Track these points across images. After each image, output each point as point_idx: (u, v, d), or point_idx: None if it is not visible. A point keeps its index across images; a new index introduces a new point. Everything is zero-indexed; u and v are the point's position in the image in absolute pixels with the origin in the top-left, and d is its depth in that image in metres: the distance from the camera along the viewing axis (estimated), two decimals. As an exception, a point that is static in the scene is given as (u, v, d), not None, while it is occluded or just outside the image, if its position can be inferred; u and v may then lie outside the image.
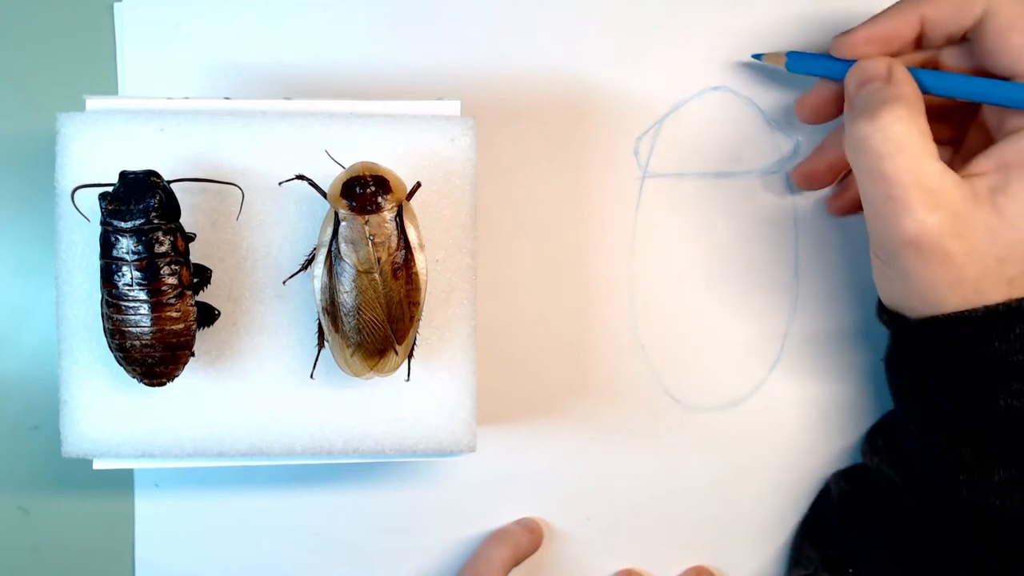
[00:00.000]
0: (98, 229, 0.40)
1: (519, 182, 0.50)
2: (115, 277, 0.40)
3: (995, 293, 0.40)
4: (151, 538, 0.51)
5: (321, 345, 0.43)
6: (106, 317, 0.40)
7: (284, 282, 0.43)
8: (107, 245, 0.40)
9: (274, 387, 0.44)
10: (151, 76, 0.49)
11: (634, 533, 0.52)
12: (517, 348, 0.51)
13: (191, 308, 0.41)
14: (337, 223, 0.41)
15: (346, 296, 0.41)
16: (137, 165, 0.40)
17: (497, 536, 0.50)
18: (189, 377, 0.42)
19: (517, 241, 0.51)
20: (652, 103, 0.50)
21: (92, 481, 0.50)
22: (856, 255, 0.51)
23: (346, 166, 0.41)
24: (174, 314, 0.40)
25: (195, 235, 0.42)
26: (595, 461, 0.52)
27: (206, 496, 0.50)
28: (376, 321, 0.42)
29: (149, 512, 0.51)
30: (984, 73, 0.43)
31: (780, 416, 0.52)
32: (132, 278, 0.39)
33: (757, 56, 0.49)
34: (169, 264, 0.40)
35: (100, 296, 0.40)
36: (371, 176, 0.40)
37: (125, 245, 0.39)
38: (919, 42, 0.44)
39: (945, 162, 0.40)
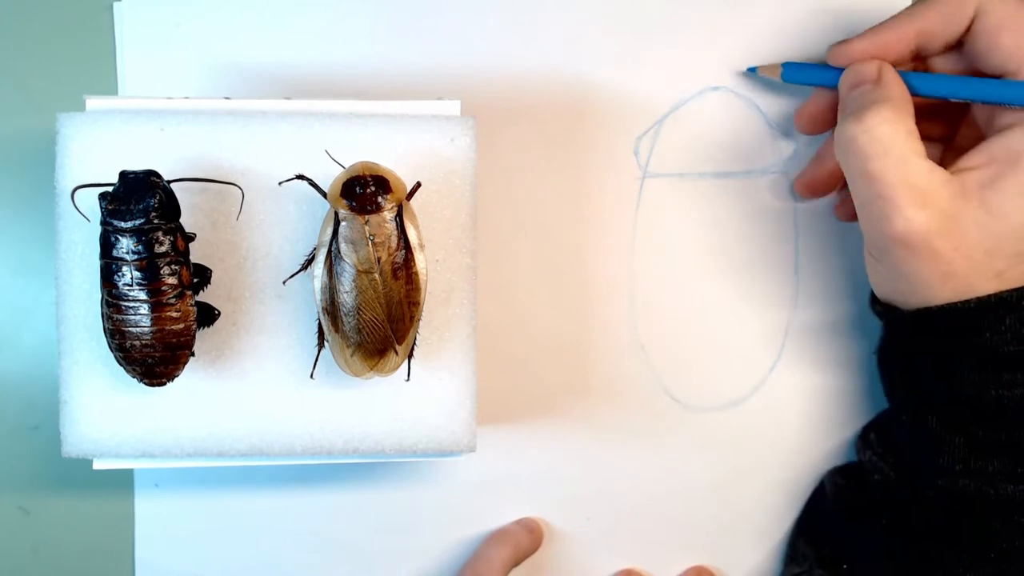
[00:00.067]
0: (98, 229, 0.40)
1: (519, 182, 0.50)
2: (115, 277, 0.40)
3: (985, 286, 0.41)
4: (151, 538, 0.51)
5: (321, 345, 0.43)
6: (106, 317, 0.40)
7: (284, 282, 0.43)
8: (107, 245, 0.40)
9: (274, 387, 0.44)
10: (151, 76, 0.49)
11: (634, 533, 0.52)
12: (517, 348, 0.51)
13: (191, 308, 0.41)
14: (337, 223, 0.41)
15: (346, 296, 0.41)
16: (137, 165, 0.40)
17: (497, 536, 0.50)
18: (189, 377, 0.42)
19: (517, 241, 0.51)
20: (652, 103, 0.50)
21: (92, 481, 0.50)
22: (856, 255, 0.51)
23: (346, 166, 0.41)
24: (174, 314, 0.40)
25: (195, 235, 0.42)
26: (595, 461, 0.52)
27: (206, 496, 0.50)
28: (376, 321, 0.42)
29: (149, 512, 0.51)
30: (975, 73, 0.43)
31: (780, 416, 0.52)
32: (132, 278, 0.39)
33: (752, 69, 0.50)
34: (169, 264, 0.40)
35: (100, 296, 0.40)
36: (371, 176, 0.40)
37: (125, 245, 0.39)
38: (915, 54, 0.44)
39: (937, 159, 0.40)
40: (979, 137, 0.43)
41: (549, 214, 0.51)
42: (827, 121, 0.48)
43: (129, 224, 0.39)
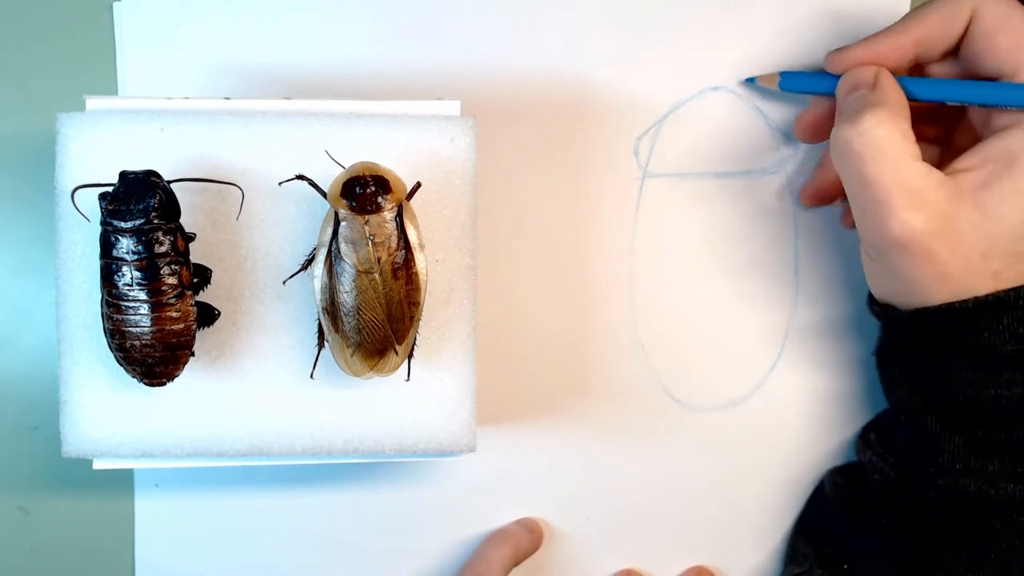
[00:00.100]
0: (98, 229, 0.40)
1: (519, 182, 0.50)
2: (115, 277, 0.40)
3: (981, 287, 0.41)
4: (151, 538, 0.51)
5: (321, 345, 0.43)
6: (106, 317, 0.40)
7: (284, 282, 0.43)
8: (107, 245, 0.40)
9: (274, 387, 0.44)
10: (151, 76, 0.49)
11: (634, 533, 0.52)
12: (517, 348, 0.51)
13: (191, 308, 0.41)
14: (337, 223, 0.41)
15: (346, 296, 0.41)
16: (137, 165, 0.40)
17: (497, 536, 0.50)
18: (189, 377, 0.42)
19: (517, 241, 0.51)
20: (652, 103, 0.50)
21: (92, 481, 0.50)
22: (856, 255, 0.51)
23: (346, 166, 0.41)
24: (174, 314, 0.40)
25: (195, 235, 0.42)
26: (595, 461, 0.52)
27: (206, 496, 0.50)
28: (376, 321, 0.42)
29: (149, 512, 0.51)
30: (972, 77, 0.43)
31: (780, 416, 0.52)
32: (132, 278, 0.39)
33: (750, 80, 0.50)
34: (169, 264, 0.40)
35: (100, 296, 0.40)
36: (371, 176, 0.40)
37: (125, 245, 0.39)
38: (913, 63, 0.44)
39: (935, 160, 0.40)
40: (976, 139, 0.43)
41: (549, 214, 0.51)
42: (826, 129, 0.48)
43: (129, 224, 0.39)
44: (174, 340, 0.40)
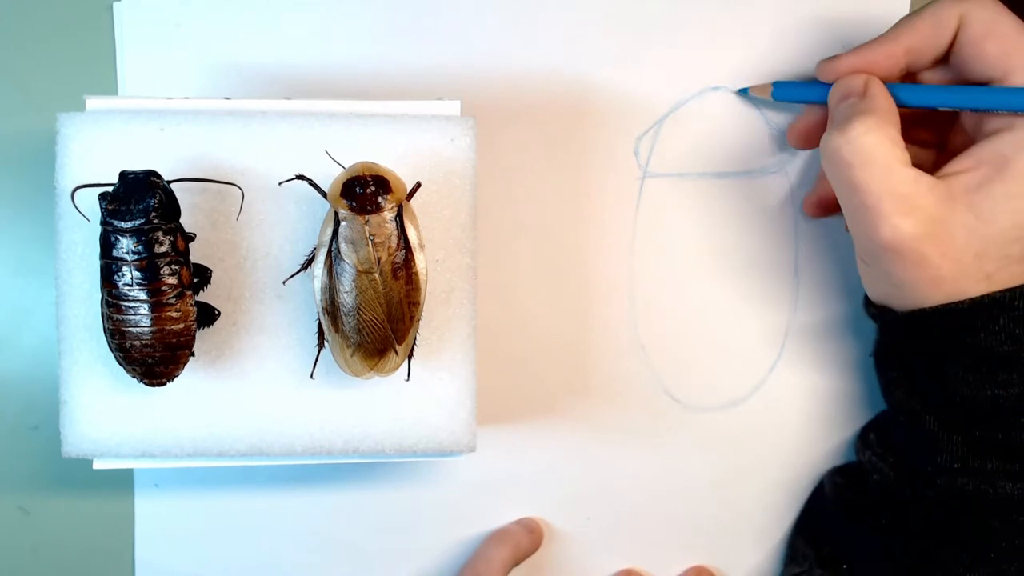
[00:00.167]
0: (98, 229, 0.40)
1: (519, 182, 0.50)
2: (115, 277, 0.40)
3: (975, 289, 0.41)
4: (151, 538, 0.51)
5: (321, 345, 0.43)
6: (106, 317, 0.40)
7: (284, 282, 0.43)
8: (107, 245, 0.40)
9: (274, 387, 0.44)
10: (151, 76, 0.49)
11: (634, 533, 0.52)
12: (517, 348, 0.51)
13: (191, 308, 0.41)
14: (337, 223, 0.41)
15: (346, 296, 0.41)
16: (137, 165, 0.40)
17: (497, 536, 0.50)
18: (189, 377, 0.42)
19: (517, 241, 0.51)
20: (652, 103, 0.50)
21: (92, 481, 0.50)
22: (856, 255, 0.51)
23: (346, 166, 0.41)
24: (174, 314, 0.40)
25: (195, 235, 0.42)
26: (595, 461, 0.52)
27: (206, 496, 0.50)
28: (376, 321, 0.42)
29: (149, 512, 0.51)
30: (962, 82, 0.44)
31: (780, 416, 0.52)
32: (132, 278, 0.39)
33: (743, 91, 0.50)
34: (169, 264, 0.40)
35: (100, 296, 0.40)
36: (371, 176, 0.40)
37: (125, 245, 0.39)
38: (904, 71, 0.45)
39: (930, 164, 0.40)
40: (970, 142, 0.43)
41: (549, 214, 0.51)
42: (818, 136, 0.48)
43: (129, 224, 0.39)
44: (174, 340, 0.40)
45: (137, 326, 0.40)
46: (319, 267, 0.41)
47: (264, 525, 0.51)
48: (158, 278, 0.40)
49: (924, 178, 0.41)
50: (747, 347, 0.52)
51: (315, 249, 0.42)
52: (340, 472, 0.51)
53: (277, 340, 0.43)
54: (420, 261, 0.42)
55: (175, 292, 0.40)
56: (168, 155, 0.42)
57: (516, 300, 0.51)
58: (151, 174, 0.40)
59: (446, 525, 0.51)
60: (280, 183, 0.43)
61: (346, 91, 0.49)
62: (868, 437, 0.49)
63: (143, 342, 0.40)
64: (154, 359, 0.40)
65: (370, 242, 0.41)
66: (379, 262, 0.41)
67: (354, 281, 0.41)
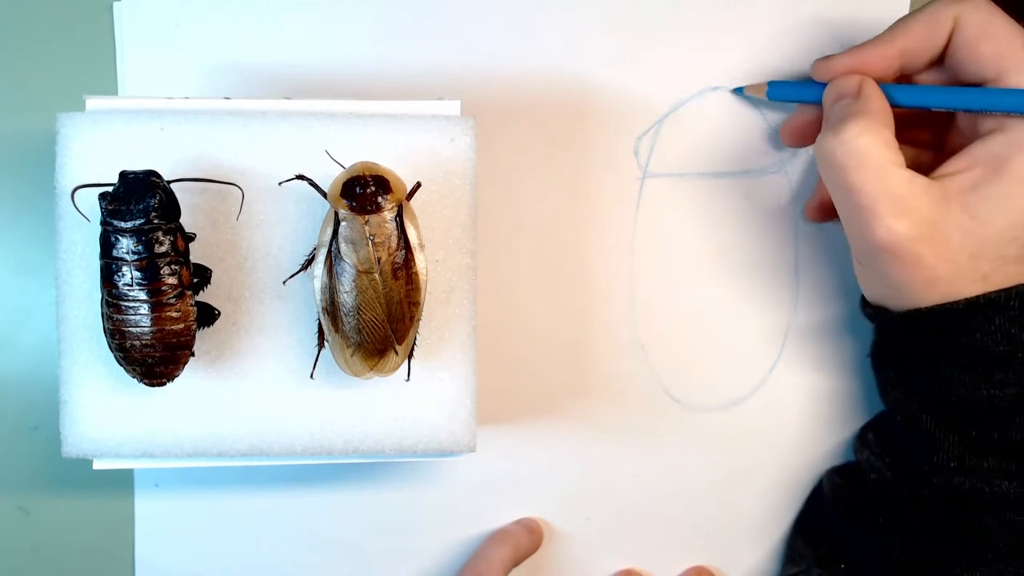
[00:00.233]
0: (98, 229, 0.40)
1: (519, 182, 0.50)
2: (115, 277, 0.40)
3: (970, 289, 0.41)
4: (151, 538, 0.51)
5: (321, 345, 0.43)
6: (106, 317, 0.40)
7: (284, 282, 0.43)
8: (107, 245, 0.40)
9: (274, 387, 0.44)
10: (151, 76, 0.49)
11: (634, 533, 0.52)
12: (517, 348, 0.51)
13: (191, 308, 0.41)
14: (337, 223, 0.41)
15: (346, 296, 0.41)
16: (137, 165, 0.40)
17: (497, 536, 0.50)
18: (189, 377, 0.42)
19: (517, 241, 0.51)
20: (652, 103, 0.50)
21: (92, 481, 0.50)
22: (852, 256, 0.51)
23: (346, 166, 0.41)
24: (174, 314, 0.40)
25: (195, 235, 0.42)
26: (595, 461, 0.52)
27: (206, 496, 0.50)
28: (376, 321, 0.42)
29: (149, 512, 0.51)
30: (957, 83, 0.44)
31: (780, 416, 0.52)
32: (132, 278, 0.40)
33: (738, 90, 0.50)
34: (169, 264, 0.40)
35: (100, 296, 0.40)
36: (371, 176, 0.40)
37: (125, 245, 0.39)
38: (899, 73, 0.45)
39: (928, 163, 0.41)
40: (966, 143, 0.44)
41: (549, 214, 0.51)
42: (812, 134, 0.48)
43: (129, 224, 0.39)
44: (174, 340, 0.40)
45: (137, 326, 0.40)
46: (319, 267, 0.41)
47: (264, 525, 0.51)
48: (158, 278, 0.40)
49: (918, 179, 0.41)
50: (747, 347, 0.52)
51: (315, 249, 0.42)
52: (340, 472, 0.51)
53: (277, 340, 0.43)
54: (420, 261, 0.42)
55: (175, 292, 0.40)
56: (168, 155, 0.42)
57: (516, 300, 0.51)
58: (151, 174, 0.40)
59: (446, 525, 0.51)
60: (280, 183, 0.43)
61: (346, 91, 0.49)
62: (867, 437, 0.50)
63: (143, 342, 0.40)
64: (154, 359, 0.40)
65: (370, 242, 0.41)
66: (379, 262, 0.41)
67: (354, 281, 0.41)
